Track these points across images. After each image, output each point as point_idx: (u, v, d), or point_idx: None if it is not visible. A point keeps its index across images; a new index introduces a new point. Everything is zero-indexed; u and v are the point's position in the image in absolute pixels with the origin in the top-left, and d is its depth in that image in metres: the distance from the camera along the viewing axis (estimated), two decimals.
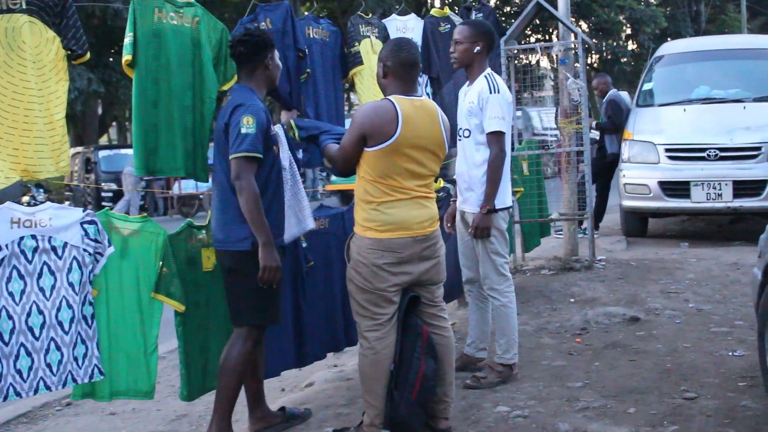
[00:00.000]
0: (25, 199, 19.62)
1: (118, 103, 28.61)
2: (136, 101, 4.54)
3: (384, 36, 6.12)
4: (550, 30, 31.95)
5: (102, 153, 23.75)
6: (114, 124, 38.86)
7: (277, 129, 4.72)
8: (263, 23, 5.14)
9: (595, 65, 36.85)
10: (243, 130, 4.22)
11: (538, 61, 18.92)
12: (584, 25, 35.23)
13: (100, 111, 32.03)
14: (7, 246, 3.84)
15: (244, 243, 4.34)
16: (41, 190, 20.51)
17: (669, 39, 26.99)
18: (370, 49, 5.93)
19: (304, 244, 5.26)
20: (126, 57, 4.47)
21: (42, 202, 4.08)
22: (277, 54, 4.64)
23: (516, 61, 9.62)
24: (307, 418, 5.02)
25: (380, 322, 4.39)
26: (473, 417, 4.90)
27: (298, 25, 5.41)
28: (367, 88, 5.86)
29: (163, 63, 4.60)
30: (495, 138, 5.26)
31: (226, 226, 4.40)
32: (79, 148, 25.04)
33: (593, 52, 35.01)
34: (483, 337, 5.80)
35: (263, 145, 4.32)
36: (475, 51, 5.37)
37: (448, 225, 5.74)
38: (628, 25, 35.44)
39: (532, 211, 9.28)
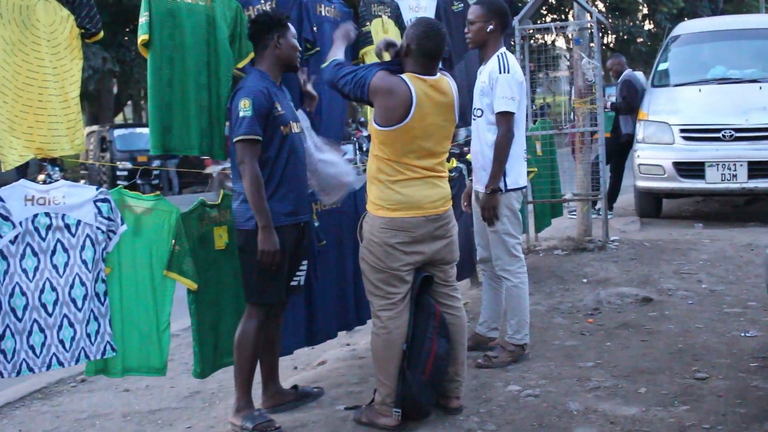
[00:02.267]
0: (41, 177, 19.67)
1: (133, 81, 28.63)
2: (152, 81, 4.52)
3: (396, 15, 6.09)
4: (566, 10, 31.77)
5: (117, 132, 23.82)
6: (129, 102, 38.91)
7: (300, 114, 4.77)
8: (269, 2, 5.10)
9: (611, 45, 36.64)
10: (241, 114, 4.35)
11: (554, 42, 18.85)
12: (600, 5, 35.00)
13: (115, 90, 32.08)
14: (21, 223, 3.87)
15: (250, 222, 4.44)
16: (57, 169, 20.54)
17: (686, 18, 26.82)
18: (380, 28, 5.89)
19: (316, 224, 5.27)
20: (142, 37, 4.45)
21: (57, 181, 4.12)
22: (291, 33, 4.66)
23: (531, 41, 9.58)
24: (320, 397, 5.06)
25: (393, 301, 4.41)
26: (484, 396, 4.92)
27: (308, 11, 5.37)
28: None
29: (178, 42, 4.58)
30: (503, 118, 5.25)
31: (237, 206, 4.53)
32: (95, 127, 25.11)
33: (609, 32, 34.80)
34: (495, 317, 5.81)
35: (263, 126, 4.41)
36: (488, 30, 5.35)
37: (465, 204, 5.75)
38: (645, 5, 35.20)
39: (544, 192, 9.26)
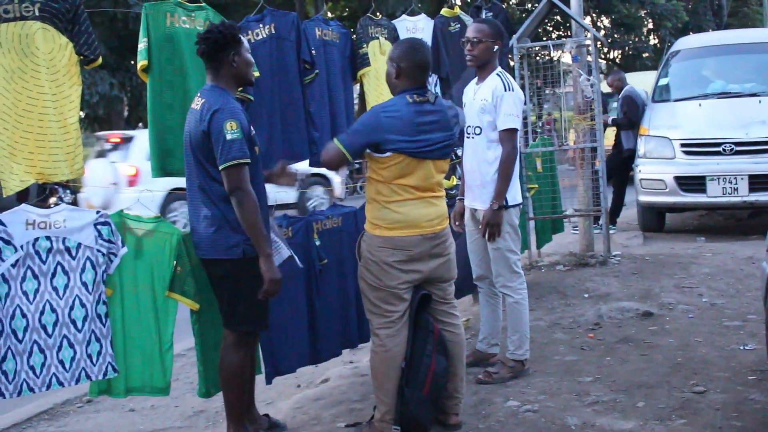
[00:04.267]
0: (53, 200, 19.79)
1: (142, 105, 28.76)
2: (152, 105, 4.63)
3: (393, 37, 6.17)
4: (569, 26, 31.79)
5: None
6: (140, 125, 39.09)
7: None
8: (267, 26, 5.20)
9: (618, 60, 36.68)
10: (229, 137, 4.06)
11: (559, 58, 18.87)
12: (606, 21, 35.06)
13: (125, 113, 32.25)
14: (22, 247, 3.96)
15: (235, 251, 4.26)
16: (68, 191, 20.68)
17: (691, 33, 26.85)
18: (377, 50, 5.99)
19: (318, 243, 5.33)
20: (141, 62, 4.56)
21: (69, 204, 4.21)
22: (245, 48, 4.42)
23: (537, 58, 9.66)
24: (284, 429, 4.98)
25: (392, 319, 4.45)
26: (484, 412, 4.97)
27: (307, 33, 5.46)
28: (373, 90, 5.93)
29: (177, 67, 4.69)
30: (508, 135, 5.32)
31: (212, 234, 4.27)
32: None
33: (614, 48, 34.85)
34: (495, 333, 5.86)
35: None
36: (494, 50, 5.44)
37: (456, 223, 5.78)
38: (650, 20, 35.24)
39: (545, 208, 9.30)
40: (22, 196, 7.53)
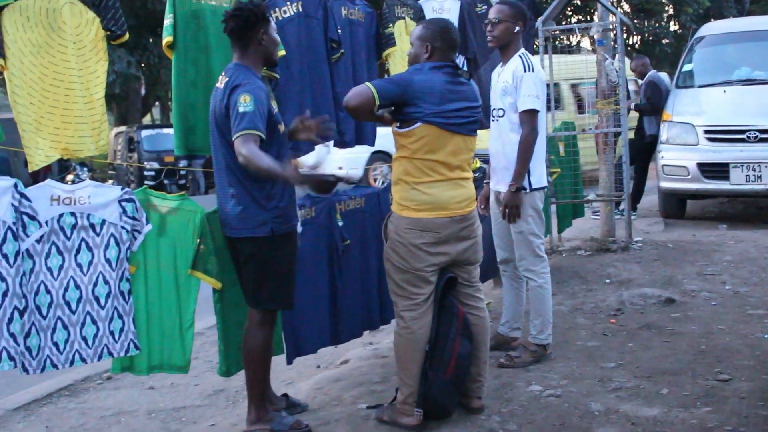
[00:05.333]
0: (70, 177, 19.93)
1: (160, 83, 28.83)
2: (176, 82, 4.60)
3: (419, 17, 6.12)
4: (591, 11, 31.59)
5: (144, 132, 23.89)
6: (157, 103, 39.18)
7: None
8: (295, 4, 5.16)
9: (637, 46, 36.41)
10: (241, 109, 4.06)
11: (578, 42, 18.73)
12: (626, 6, 34.79)
13: (143, 91, 32.33)
14: (47, 222, 3.94)
15: (263, 228, 4.27)
16: (85, 169, 20.79)
17: (712, 19, 26.61)
18: (403, 30, 5.93)
19: (340, 223, 5.31)
20: (167, 39, 4.53)
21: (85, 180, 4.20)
22: (272, 27, 4.41)
23: (557, 42, 9.59)
24: (304, 411, 4.95)
25: (417, 302, 4.41)
26: (506, 396, 4.94)
27: (333, 12, 5.42)
28: (398, 70, 5.86)
29: (202, 44, 4.65)
30: (528, 116, 5.25)
31: (240, 213, 4.28)
32: (122, 128, 25.26)
33: (634, 33, 34.59)
34: (517, 317, 5.83)
35: (265, 125, 4.16)
36: (515, 31, 5.38)
37: (482, 207, 5.74)
38: (670, 5, 34.93)
39: (567, 192, 9.24)
40: (37, 175, 7.54)
